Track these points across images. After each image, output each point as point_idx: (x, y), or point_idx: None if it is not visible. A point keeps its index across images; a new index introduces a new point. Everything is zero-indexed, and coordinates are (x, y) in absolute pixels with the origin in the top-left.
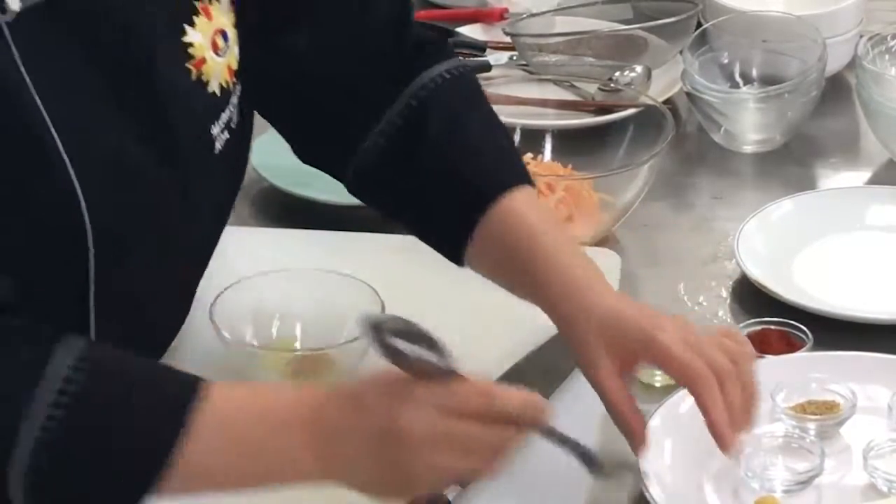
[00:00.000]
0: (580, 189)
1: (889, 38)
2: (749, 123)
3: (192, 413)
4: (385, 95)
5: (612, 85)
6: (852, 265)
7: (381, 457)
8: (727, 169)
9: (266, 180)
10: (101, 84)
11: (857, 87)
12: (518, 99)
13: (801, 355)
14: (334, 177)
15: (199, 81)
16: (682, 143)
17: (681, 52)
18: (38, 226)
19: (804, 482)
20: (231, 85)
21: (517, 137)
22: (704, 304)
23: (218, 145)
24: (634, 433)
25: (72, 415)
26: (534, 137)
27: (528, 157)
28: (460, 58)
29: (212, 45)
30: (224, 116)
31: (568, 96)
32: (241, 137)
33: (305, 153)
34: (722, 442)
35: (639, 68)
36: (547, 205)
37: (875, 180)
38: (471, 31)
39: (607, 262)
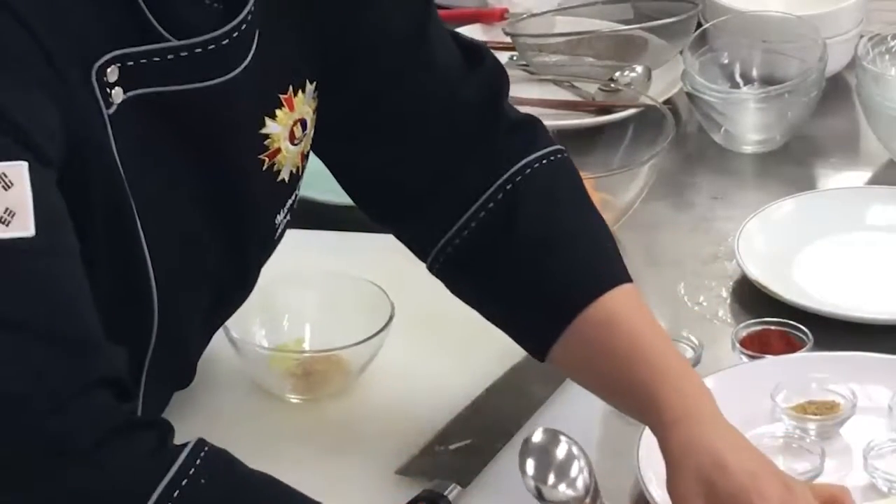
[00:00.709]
0: None
1: (889, 38)
2: (749, 123)
3: None
4: (477, 181)
5: (612, 85)
6: (852, 265)
7: None
8: (727, 169)
9: None
10: (182, 171)
11: (857, 87)
12: (518, 99)
13: (801, 355)
14: (414, 252)
15: (270, 171)
16: (683, 143)
17: (681, 52)
18: (111, 300)
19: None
20: (301, 170)
21: None
22: (704, 304)
23: (279, 231)
24: None
25: None
26: None
27: None
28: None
29: (289, 134)
30: (289, 202)
31: (568, 96)
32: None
33: (378, 215)
34: None
35: (639, 68)
36: (645, 305)
37: (875, 180)
38: (471, 31)
39: None
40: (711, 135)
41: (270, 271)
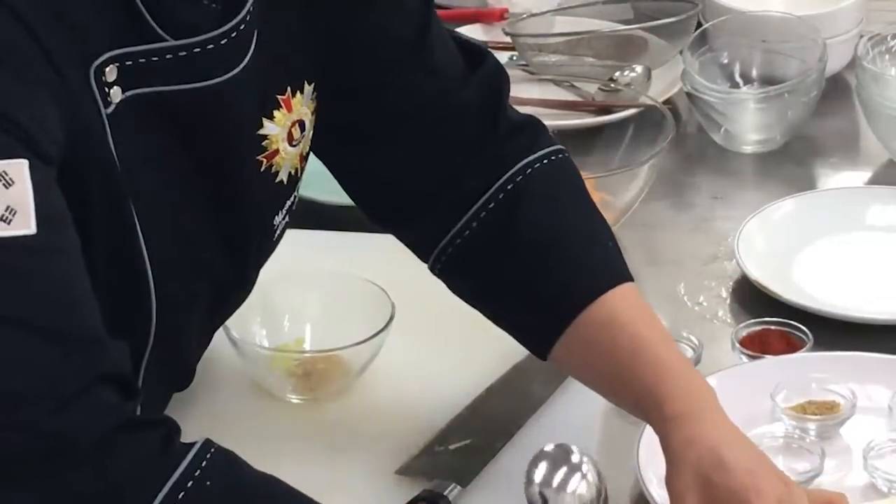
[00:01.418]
0: None
1: (889, 38)
2: (749, 123)
3: None
4: (481, 176)
5: (612, 85)
6: (852, 265)
7: None
8: (727, 169)
9: None
10: (180, 170)
11: (857, 87)
12: (518, 99)
13: (801, 355)
14: (415, 253)
15: (269, 173)
16: (682, 143)
17: (681, 52)
18: (110, 300)
19: (804, 482)
20: (299, 171)
21: None
22: (704, 304)
23: (277, 232)
24: None
25: None
26: None
27: None
28: (559, 145)
29: (287, 136)
30: (287, 204)
31: (568, 96)
32: (294, 212)
33: (379, 216)
34: None
35: (639, 68)
36: (646, 303)
37: (875, 180)
38: (471, 31)
39: None
40: (711, 135)
41: (270, 271)
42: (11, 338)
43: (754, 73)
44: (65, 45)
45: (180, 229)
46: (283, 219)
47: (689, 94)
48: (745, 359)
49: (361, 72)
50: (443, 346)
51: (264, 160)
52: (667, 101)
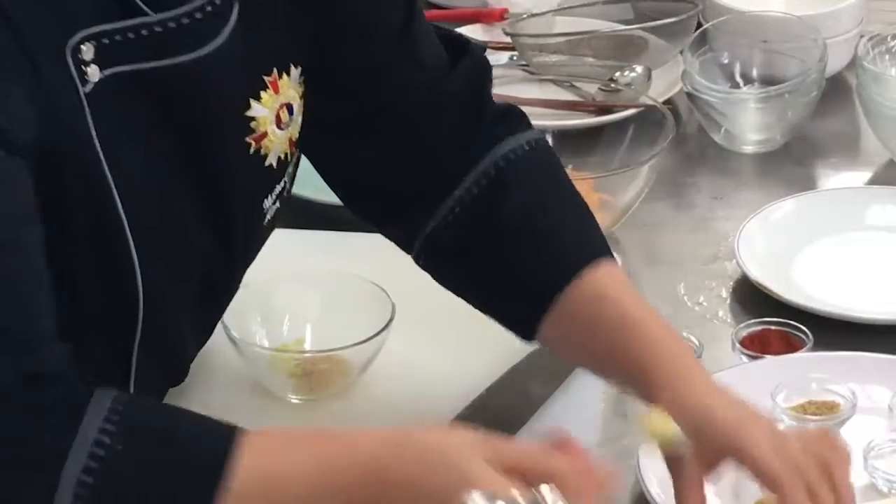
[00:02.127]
0: (580, 189)
1: (889, 38)
2: (749, 123)
3: (229, 470)
4: (462, 164)
5: (612, 85)
6: (852, 265)
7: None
8: (727, 169)
9: None
10: (163, 151)
11: (857, 87)
12: (518, 99)
13: (801, 355)
14: (400, 245)
15: (257, 156)
16: (683, 143)
17: (681, 53)
18: (94, 285)
19: None
20: (290, 156)
21: None
22: (704, 304)
23: (268, 216)
24: None
25: (103, 482)
26: None
27: None
28: (537, 130)
29: (275, 118)
30: (277, 188)
31: (568, 96)
32: (288, 200)
33: (364, 212)
34: None
35: (639, 68)
36: (629, 281)
37: (875, 180)
38: (471, 31)
39: None
40: (711, 135)
41: (270, 271)
42: None
43: (754, 73)
44: (36, 23)
45: (166, 211)
46: (274, 203)
47: (689, 95)
48: (745, 359)
49: (348, 60)
50: (443, 346)
51: (252, 142)
52: (667, 102)
